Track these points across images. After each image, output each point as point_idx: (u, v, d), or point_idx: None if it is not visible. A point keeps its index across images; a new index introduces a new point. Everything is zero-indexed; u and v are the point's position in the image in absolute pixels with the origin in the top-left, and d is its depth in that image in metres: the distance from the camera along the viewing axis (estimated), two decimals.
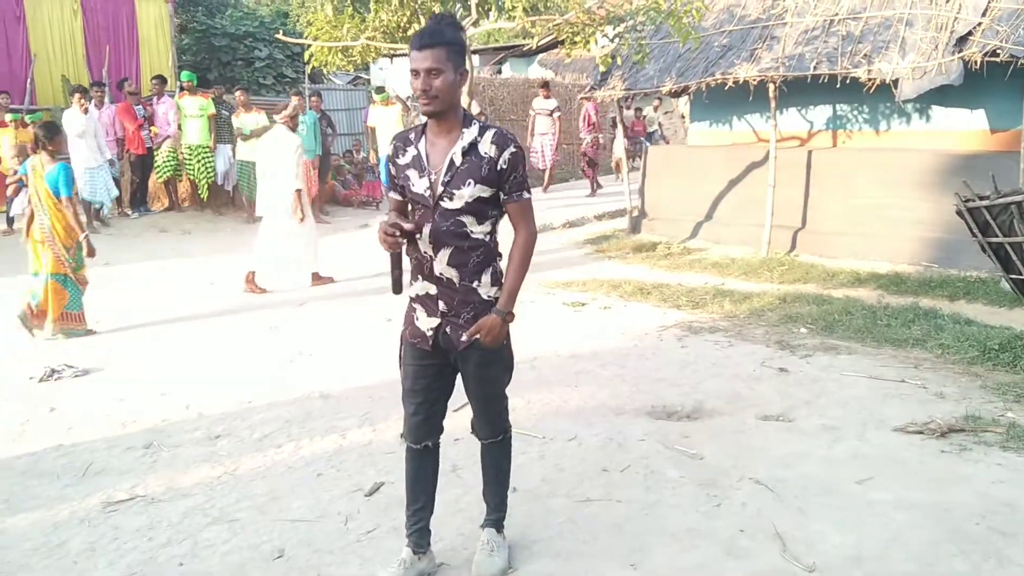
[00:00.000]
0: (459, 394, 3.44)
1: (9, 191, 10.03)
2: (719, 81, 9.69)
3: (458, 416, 4.29)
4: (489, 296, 3.22)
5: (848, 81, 8.91)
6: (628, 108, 20.34)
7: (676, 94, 11.82)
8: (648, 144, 16.23)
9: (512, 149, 3.15)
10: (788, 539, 3.63)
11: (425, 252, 3.20)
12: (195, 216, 13.69)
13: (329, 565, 3.58)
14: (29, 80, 15.41)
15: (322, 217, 13.48)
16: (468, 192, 3.11)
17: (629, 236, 11.54)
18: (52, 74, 15.79)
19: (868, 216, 9.28)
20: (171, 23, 17.54)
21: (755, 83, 9.42)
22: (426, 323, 3.28)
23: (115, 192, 12.52)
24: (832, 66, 8.95)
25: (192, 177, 13.66)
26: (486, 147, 3.13)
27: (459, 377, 3.38)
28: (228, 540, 3.83)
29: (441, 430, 3.45)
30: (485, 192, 3.14)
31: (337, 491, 4.29)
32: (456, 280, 3.20)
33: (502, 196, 3.18)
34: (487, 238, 3.22)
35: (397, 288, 3.23)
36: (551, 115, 15.90)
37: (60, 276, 7.30)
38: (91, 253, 7.38)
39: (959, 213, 7.06)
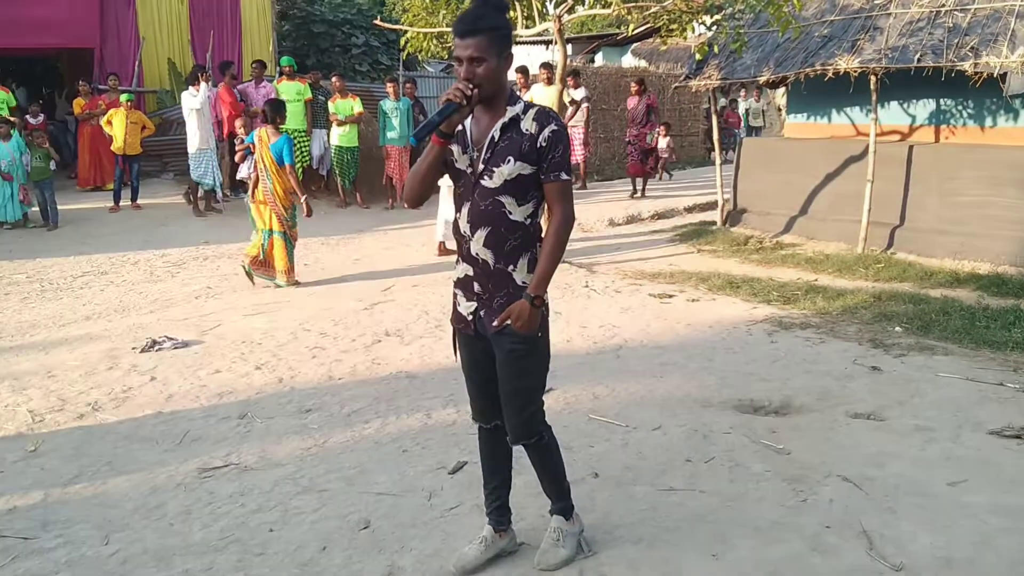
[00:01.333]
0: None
1: (237, 157, 11.21)
2: (818, 72, 9.47)
3: None
4: (524, 282, 3.14)
5: (953, 74, 8.60)
6: (743, 98, 19.93)
7: (773, 85, 11.59)
8: (742, 136, 15.87)
9: (553, 127, 3.06)
10: (876, 537, 3.56)
11: (464, 231, 3.18)
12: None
13: (413, 538, 3.66)
14: (137, 62, 15.98)
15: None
16: (508, 169, 3.06)
17: (720, 229, 11.38)
18: (159, 57, 16.35)
19: (970, 214, 8.96)
20: (272, 9, 17.95)
21: (856, 75, 9.17)
22: (465, 307, 3.26)
23: (219, 177, 12.85)
24: (937, 59, 8.64)
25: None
26: (527, 124, 3.07)
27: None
28: (317, 509, 3.95)
29: None
30: (526, 170, 3.07)
31: (422, 467, 4.38)
32: (491, 262, 3.14)
33: (540, 175, 3.10)
34: (527, 221, 3.14)
35: (426, 132, 3.04)
36: (579, 105, 15.18)
37: (282, 233, 8.50)
38: (308, 214, 8.62)
39: None
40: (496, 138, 3.09)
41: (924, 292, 7.74)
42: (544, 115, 3.10)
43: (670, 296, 7.93)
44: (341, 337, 6.74)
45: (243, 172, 10.62)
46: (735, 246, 10.35)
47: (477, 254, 3.16)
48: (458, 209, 3.21)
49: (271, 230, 8.49)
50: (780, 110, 19.69)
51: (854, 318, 6.99)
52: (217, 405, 5.34)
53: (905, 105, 10.26)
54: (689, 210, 13.28)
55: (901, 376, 5.61)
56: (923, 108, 10.12)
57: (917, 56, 8.76)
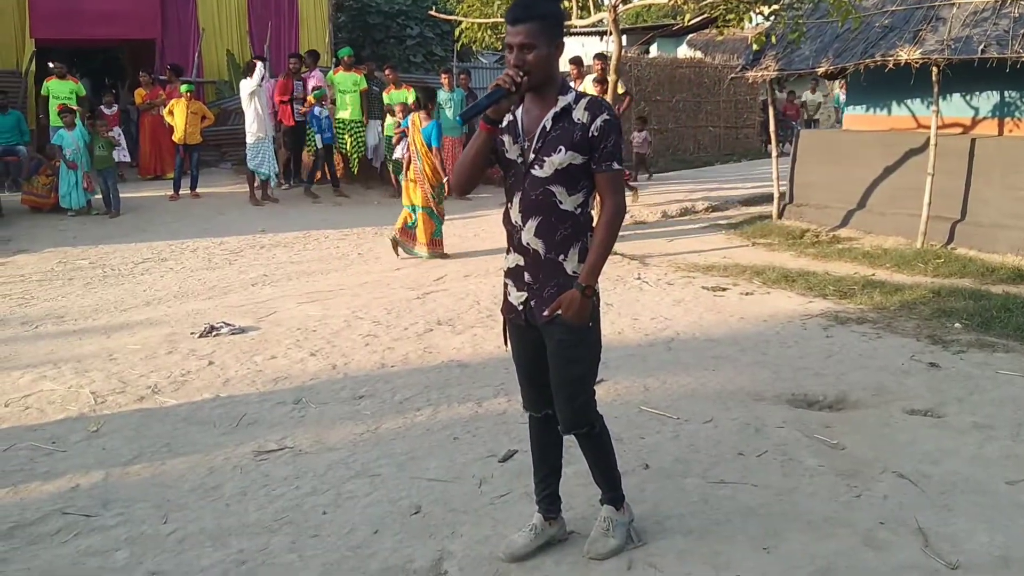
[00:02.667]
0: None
1: (394, 139, 11.86)
2: (879, 63, 9.30)
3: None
4: (575, 272, 3.13)
5: (1019, 66, 8.40)
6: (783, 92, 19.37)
7: (832, 76, 11.41)
8: (799, 128, 15.63)
9: (605, 116, 3.06)
10: (931, 535, 3.50)
11: (515, 221, 3.18)
12: (346, 188, 14.11)
13: (463, 524, 3.69)
14: (197, 54, 16.24)
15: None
16: (559, 159, 3.06)
17: (775, 222, 11.25)
18: (218, 49, 16.60)
19: None
20: (329, 1, 18.10)
21: (917, 66, 8.99)
22: (516, 297, 3.26)
23: (275, 167, 13.01)
24: (1002, 50, 8.43)
25: (343, 151, 14.07)
26: (579, 113, 3.07)
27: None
28: (369, 493, 4.00)
29: None
30: (577, 159, 3.06)
31: (472, 455, 4.41)
32: (542, 252, 3.14)
33: (592, 165, 3.09)
34: (577, 211, 3.14)
35: (472, 114, 3.08)
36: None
37: (428, 209, 9.28)
38: (449, 193, 9.45)
39: None
40: (548, 128, 3.09)
41: (985, 288, 7.57)
42: (596, 105, 3.10)
43: (723, 289, 7.86)
44: (393, 325, 6.80)
45: (398, 153, 11.33)
46: (791, 239, 10.22)
47: (528, 244, 3.16)
48: (509, 199, 3.22)
49: (417, 206, 9.29)
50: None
51: (912, 314, 6.87)
52: (273, 390, 5.43)
53: (968, 97, 10.03)
54: (744, 203, 13.14)
55: (960, 373, 5.51)
56: (986, 100, 9.89)
57: (981, 47, 8.56)
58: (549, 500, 3.50)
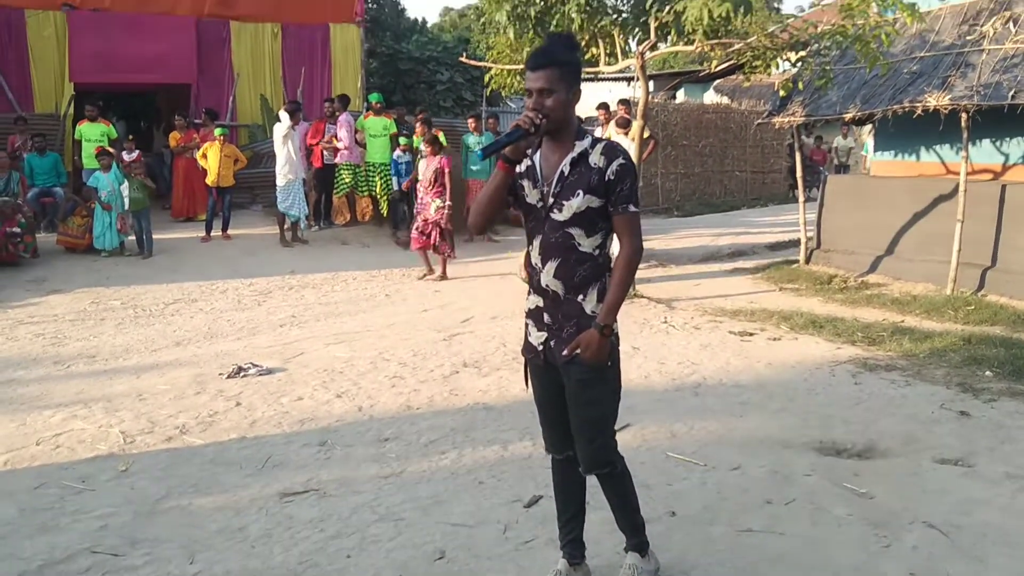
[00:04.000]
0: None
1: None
2: (907, 109, 9.30)
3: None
4: (594, 311, 3.18)
5: None
6: (810, 136, 19.43)
7: (860, 122, 11.40)
8: (827, 174, 15.62)
9: (621, 160, 3.13)
10: None
11: (535, 264, 3.24)
12: (374, 231, 14.24)
13: (488, 571, 3.68)
14: (231, 98, 16.54)
15: (491, 237, 13.75)
16: (577, 203, 3.12)
17: (803, 267, 11.21)
18: (252, 93, 16.91)
19: None
20: (361, 47, 18.42)
21: (946, 112, 8.98)
22: (536, 337, 3.30)
23: (305, 209, 13.16)
24: None
25: (373, 194, 14.21)
26: (596, 158, 3.14)
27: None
28: (393, 537, 4.00)
29: None
30: (595, 203, 3.13)
31: (497, 500, 4.39)
32: (561, 293, 3.20)
33: (609, 208, 3.15)
34: (596, 252, 3.20)
35: (492, 150, 3.16)
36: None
37: None
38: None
39: None
40: (566, 173, 3.17)
41: (1016, 336, 7.48)
42: (612, 149, 3.18)
43: (751, 334, 7.83)
44: (420, 367, 6.83)
45: None
46: (818, 285, 10.18)
47: (547, 285, 3.22)
48: (529, 242, 3.29)
49: None
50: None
51: (942, 361, 6.80)
52: (299, 431, 5.46)
53: (997, 143, 10.00)
54: (771, 247, 13.12)
55: (991, 422, 5.44)
56: (1017, 147, 9.86)
57: (1011, 93, 8.55)
58: (573, 545, 3.49)
